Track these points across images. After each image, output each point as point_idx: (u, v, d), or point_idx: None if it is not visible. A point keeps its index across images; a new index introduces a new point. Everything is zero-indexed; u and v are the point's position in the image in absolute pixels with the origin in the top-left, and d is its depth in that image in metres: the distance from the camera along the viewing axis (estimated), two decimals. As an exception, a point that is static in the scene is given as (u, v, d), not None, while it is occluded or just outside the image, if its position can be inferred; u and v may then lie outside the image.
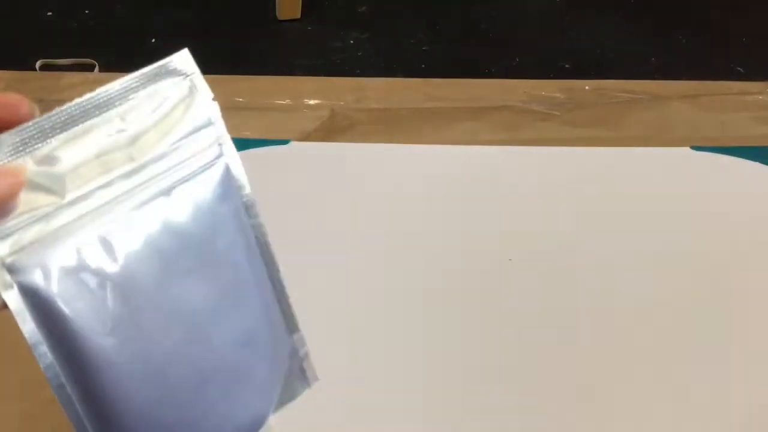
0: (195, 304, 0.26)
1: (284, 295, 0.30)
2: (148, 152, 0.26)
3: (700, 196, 0.60)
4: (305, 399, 0.47)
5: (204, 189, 0.27)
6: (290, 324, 0.30)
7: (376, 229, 0.57)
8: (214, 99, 0.27)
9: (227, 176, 0.28)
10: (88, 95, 0.25)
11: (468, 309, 0.52)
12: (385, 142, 0.67)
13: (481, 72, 0.90)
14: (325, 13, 1.03)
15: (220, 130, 0.28)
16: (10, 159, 0.24)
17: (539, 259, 0.55)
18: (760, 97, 0.72)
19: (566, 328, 0.51)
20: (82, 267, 0.24)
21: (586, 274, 0.54)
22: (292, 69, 0.93)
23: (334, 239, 0.56)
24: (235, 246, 0.27)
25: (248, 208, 0.28)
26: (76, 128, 0.25)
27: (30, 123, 0.24)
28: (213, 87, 0.84)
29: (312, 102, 0.72)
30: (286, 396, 0.30)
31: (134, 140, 0.26)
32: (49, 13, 1.03)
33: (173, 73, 0.27)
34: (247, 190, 0.28)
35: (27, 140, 0.24)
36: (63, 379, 0.25)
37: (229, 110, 0.83)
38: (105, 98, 0.25)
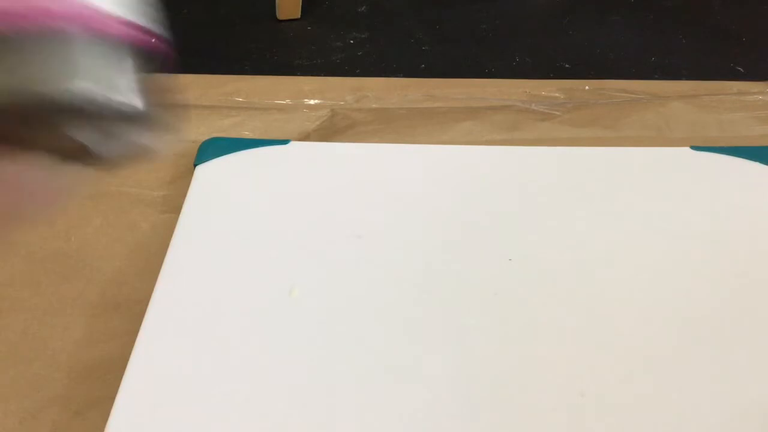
0: None
1: None
2: None
3: (700, 196, 0.60)
4: (308, 399, 0.47)
5: None
6: None
7: (376, 229, 0.57)
8: None
9: None
10: None
11: (467, 309, 0.52)
12: (385, 142, 0.67)
13: (481, 72, 0.90)
14: (325, 13, 1.03)
15: None
16: None
17: (539, 259, 0.55)
18: (760, 97, 0.72)
19: (566, 328, 0.51)
20: None
21: (587, 274, 0.54)
22: (292, 69, 0.93)
23: (333, 239, 0.56)
24: None
25: None
26: None
27: None
28: (213, 87, 0.84)
29: (312, 102, 0.72)
30: None
31: None
32: (49, 13, 1.03)
33: None
34: None
35: None
36: None
37: (229, 110, 0.84)
38: None
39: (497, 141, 0.67)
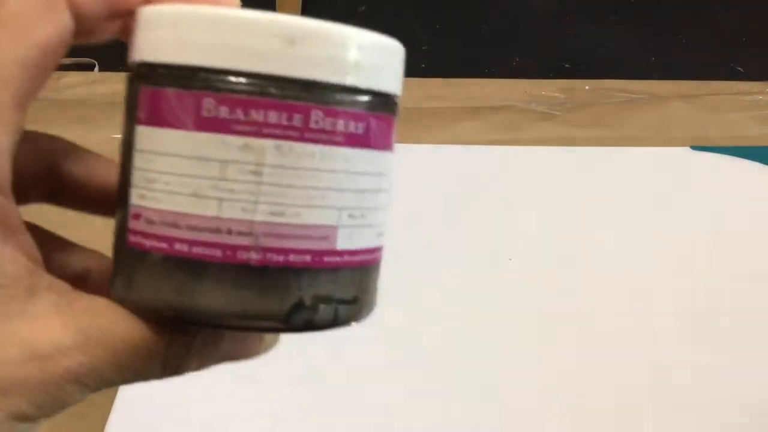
0: None
1: None
2: None
3: (700, 196, 0.60)
4: (310, 401, 0.47)
5: None
6: None
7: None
8: None
9: None
10: None
11: (467, 309, 0.52)
12: (385, 142, 0.67)
13: (481, 72, 0.90)
14: (325, 13, 1.03)
15: None
16: None
17: (539, 259, 0.55)
18: (760, 97, 0.72)
19: (566, 327, 0.51)
20: None
21: (586, 273, 0.54)
22: (292, 69, 0.93)
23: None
24: None
25: None
26: None
27: None
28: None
29: (312, 102, 0.72)
30: None
31: None
32: (49, 13, 1.03)
33: None
34: None
35: None
36: None
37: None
38: None
39: (497, 141, 0.67)
